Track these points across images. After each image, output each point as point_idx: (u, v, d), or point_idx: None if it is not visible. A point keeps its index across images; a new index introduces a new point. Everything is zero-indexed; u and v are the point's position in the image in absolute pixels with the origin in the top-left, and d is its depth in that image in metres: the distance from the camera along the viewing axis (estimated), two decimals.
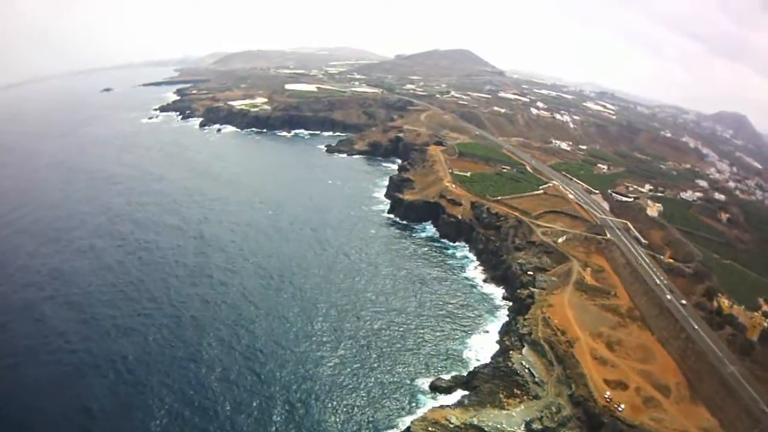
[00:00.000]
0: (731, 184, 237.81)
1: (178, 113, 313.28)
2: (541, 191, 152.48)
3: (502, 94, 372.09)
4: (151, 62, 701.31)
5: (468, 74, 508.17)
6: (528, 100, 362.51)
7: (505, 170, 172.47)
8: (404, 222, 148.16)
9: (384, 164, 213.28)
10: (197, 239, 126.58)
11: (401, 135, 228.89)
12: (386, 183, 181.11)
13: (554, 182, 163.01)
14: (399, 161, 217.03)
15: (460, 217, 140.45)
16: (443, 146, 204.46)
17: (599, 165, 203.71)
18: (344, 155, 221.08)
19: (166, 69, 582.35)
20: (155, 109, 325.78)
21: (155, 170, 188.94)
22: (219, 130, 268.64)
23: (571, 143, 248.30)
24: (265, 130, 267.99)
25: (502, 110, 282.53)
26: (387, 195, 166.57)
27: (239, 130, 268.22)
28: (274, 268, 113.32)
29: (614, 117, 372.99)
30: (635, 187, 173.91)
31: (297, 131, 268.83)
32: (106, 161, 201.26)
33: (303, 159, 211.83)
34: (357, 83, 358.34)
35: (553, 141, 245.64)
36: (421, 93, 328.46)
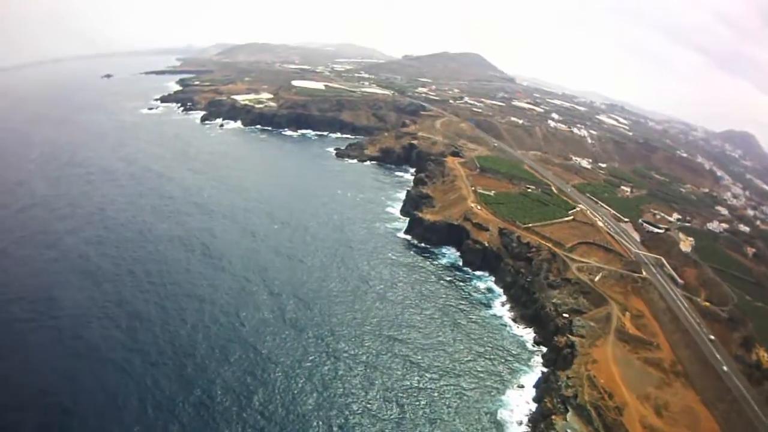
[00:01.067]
0: (750, 212, 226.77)
1: (179, 105, 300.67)
2: (571, 217, 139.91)
3: (515, 103, 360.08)
4: (154, 50, 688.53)
5: (478, 79, 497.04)
6: (542, 110, 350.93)
7: (530, 190, 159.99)
8: (423, 244, 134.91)
9: (397, 173, 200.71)
10: (201, 256, 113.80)
11: (415, 142, 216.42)
12: (401, 196, 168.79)
13: (582, 206, 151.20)
14: (412, 170, 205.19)
15: (486, 244, 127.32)
16: (461, 158, 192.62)
17: (623, 187, 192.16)
18: (354, 161, 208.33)
19: (168, 58, 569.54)
20: (156, 99, 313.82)
21: (155, 167, 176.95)
22: (222, 125, 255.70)
23: (590, 160, 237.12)
24: (270, 128, 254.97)
25: (520, 121, 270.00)
26: (403, 211, 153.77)
27: (243, 126, 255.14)
28: (289, 298, 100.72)
29: (630, 133, 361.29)
30: (663, 215, 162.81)
31: (304, 131, 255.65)
32: (104, 155, 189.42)
33: (312, 163, 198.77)
34: (366, 83, 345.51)
35: (573, 158, 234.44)
36: (434, 97, 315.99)
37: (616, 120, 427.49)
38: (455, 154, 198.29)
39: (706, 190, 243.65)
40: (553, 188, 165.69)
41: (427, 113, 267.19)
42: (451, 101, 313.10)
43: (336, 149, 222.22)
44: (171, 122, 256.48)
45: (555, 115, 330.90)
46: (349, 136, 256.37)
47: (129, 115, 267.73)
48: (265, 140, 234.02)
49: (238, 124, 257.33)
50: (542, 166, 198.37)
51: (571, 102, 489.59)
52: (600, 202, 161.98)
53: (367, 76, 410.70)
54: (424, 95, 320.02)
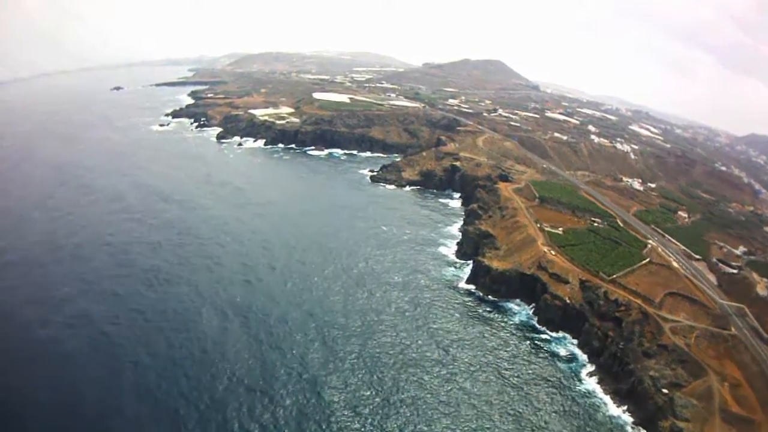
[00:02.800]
0: None
1: (192, 120, 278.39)
2: (647, 259, 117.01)
3: (549, 114, 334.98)
4: (166, 61, 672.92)
5: (504, 87, 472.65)
6: (578, 122, 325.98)
7: (596, 224, 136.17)
8: (489, 297, 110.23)
9: (441, 200, 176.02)
10: (231, 317, 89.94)
11: (458, 164, 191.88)
12: (452, 231, 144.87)
13: (651, 242, 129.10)
14: (457, 196, 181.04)
15: (567, 300, 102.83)
16: (512, 183, 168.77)
17: (680, 213, 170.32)
18: (393, 186, 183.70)
19: (180, 68, 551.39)
20: (167, 114, 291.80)
21: (169, 193, 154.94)
22: (240, 144, 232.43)
23: (639, 180, 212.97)
24: (293, 147, 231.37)
25: (564, 138, 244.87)
26: (461, 253, 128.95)
27: (263, 145, 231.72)
28: (344, 371, 77.90)
29: (667, 146, 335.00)
30: (729, 248, 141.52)
31: (331, 150, 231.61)
32: (113, 179, 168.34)
33: (347, 191, 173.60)
34: (393, 95, 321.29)
35: (624, 179, 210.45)
36: (466, 110, 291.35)
37: (648, 129, 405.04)
38: (504, 178, 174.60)
39: (751, 208, 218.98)
40: (618, 221, 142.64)
41: (464, 128, 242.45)
42: (485, 114, 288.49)
43: (370, 171, 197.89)
44: (184, 141, 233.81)
45: (592, 128, 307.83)
46: (380, 154, 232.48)
47: (139, 133, 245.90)
48: (289, 162, 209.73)
49: (259, 143, 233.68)
50: (597, 190, 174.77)
51: (597, 109, 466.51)
52: (666, 234, 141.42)
53: (389, 86, 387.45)
54: (456, 108, 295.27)
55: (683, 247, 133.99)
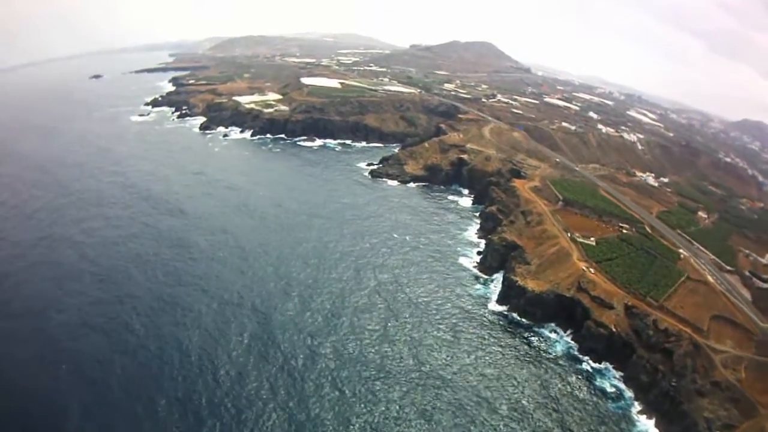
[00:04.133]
0: None
1: (173, 109, 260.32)
2: (685, 275, 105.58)
3: (548, 100, 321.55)
4: (146, 46, 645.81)
5: (496, 70, 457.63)
6: (578, 107, 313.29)
7: (625, 230, 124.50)
8: (524, 320, 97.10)
9: (449, 197, 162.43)
10: (250, 364, 75.72)
11: (465, 157, 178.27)
12: (468, 236, 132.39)
13: (683, 252, 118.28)
14: (466, 192, 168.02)
15: (613, 328, 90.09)
16: (524, 178, 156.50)
17: (700, 213, 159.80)
18: (395, 182, 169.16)
19: (160, 54, 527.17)
20: (147, 104, 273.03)
21: (152, 192, 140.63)
22: (225, 135, 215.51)
23: (652, 175, 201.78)
24: (283, 137, 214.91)
25: (572, 128, 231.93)
26: (484, 266, 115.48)
27: (250, 136, 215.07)
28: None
29: (671, 134, 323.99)
30: (755, 256, 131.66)
31: (324, 140, 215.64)
32: (88, 176, 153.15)
33: (343, 188, 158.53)
34: (386, 79, 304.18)
35: (637, 173, 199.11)
36: (464, 95, 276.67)
37: (645, 115, 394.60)
38: (516, 174, 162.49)
39: (761, 205, 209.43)
40: (646, 226, 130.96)
41: (465, 116, 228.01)
42: (483, 99, 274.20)
43: (368, 165, 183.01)
44: (166, 132, 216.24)
45: (593, 114, 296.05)
46: (377, 144, 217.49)
47: (119, 125, 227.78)
48: (281, 155, 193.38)
49: (245, 134, 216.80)
50: (614, 188, 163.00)
51: (592, 93, 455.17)
52: (694, 242, 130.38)
53: (378, 69, 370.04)
54: (453, 93, 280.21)
55: (713, 257, 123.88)
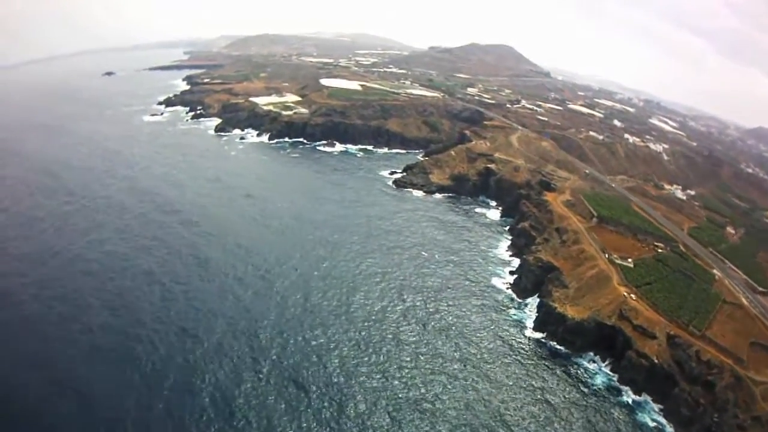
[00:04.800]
0: None
1: (187, 109, 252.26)
2: (721, 298, 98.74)
3: (571, 106, 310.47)
4: (159, 43, 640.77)
5: (516, 74, 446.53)
6: (602, 115, 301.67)
7: (660, 250, 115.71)
8: (561, 347, 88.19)
9: (477, 209, 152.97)
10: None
11: (492, 167, 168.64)
12: (500, 253, 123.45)
13: (717, 273, 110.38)
14: (493, 204, 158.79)
15: (655, 359, 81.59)
16: (555, 191, 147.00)
17: (728, 229, 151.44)
18: (420, 193, 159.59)
19: (174, 51, 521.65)
20: (160, 103, 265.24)
21: (164, 200, 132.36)
22: (242, 138, 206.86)
23: (680, 187, 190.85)
24: (302, 141, 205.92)
25: (600, 137, 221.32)
26: (519, 288, 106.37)
27: (268, 140, 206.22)
28: None
29: (694, 144, 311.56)
30: None
31: (345, 145, 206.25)
32: (96, 181, 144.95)
33: (367, 199, 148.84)
34: (407, 82, 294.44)
35: (666, 186, 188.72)
36: (488, 100, 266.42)
37: (666, 123, 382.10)
38: (546, 185, 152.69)
39: None
40: (680, 245, 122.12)
41: (490, 123, 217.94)
42: (508, 105, 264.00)
43: (392, 174, 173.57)
44: (180, 134, 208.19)
45: (617, 122, 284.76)
46: (399, 150, 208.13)
47: (131, 125, 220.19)
48: (299, 161, 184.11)
49: (263, 137, 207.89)
50: (645, 201, 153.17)
51: (611, 99, 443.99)
52: (725, 260, 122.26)
53: (398, 70, 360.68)
54: (477, 98, 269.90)
55: (744, 276, 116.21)
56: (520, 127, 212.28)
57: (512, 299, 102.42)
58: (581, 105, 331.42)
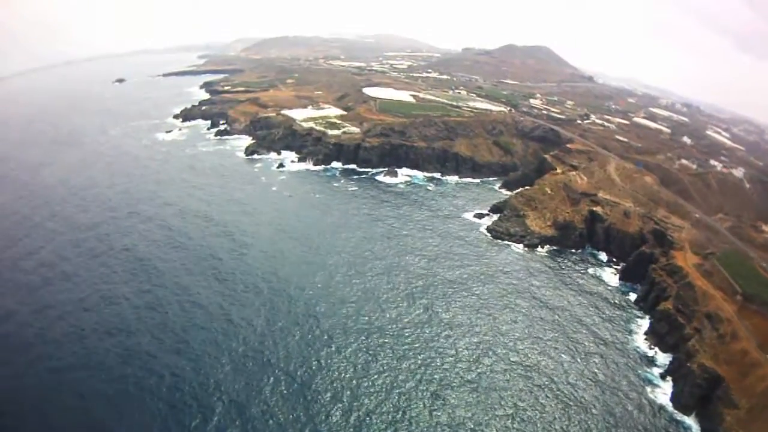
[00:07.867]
0: None
1: (208, 124, 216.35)
2: None
3: (636, 119, 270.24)
4: (173, 47, 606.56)
5: (561, 79, 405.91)
6: (669, 130, 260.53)
7: None
8: None
9: (590, 270, 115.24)
10: None
11: (597, 210, 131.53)
12: (639, 344, 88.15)
13: None
14: (603, 258, 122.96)
15: None
16: (675, 247, 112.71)
17: None
18: (520, 247, 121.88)
19: (189, 55, 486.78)
20: (176, 116, 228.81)
21: (188, 257, 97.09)
22: (280, 165, 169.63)
23: None
24: (354, 168, 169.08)
25: (693, 166, 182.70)
26: (679, 404, 74.05)
27: (313, 166, 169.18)
28: None
29: (761, 164, 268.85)
30: None
31: (407, 173, 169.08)
32: (101, 226, 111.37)
33: (457, 260, 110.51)
34: (464, 92, 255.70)
35: (763, 226, 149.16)
36: (557, 114, 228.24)
37: (720, 133, 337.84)
38: (660, 237, 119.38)
39: None
40: None
41: (573, 146, 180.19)
42: (578, 121, 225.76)
43: (478, 217, 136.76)
44: (202, 157, 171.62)
45: (687, 140, 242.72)
46: (470, 179, 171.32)
47: (140, 144, 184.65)
48: (358, 197, 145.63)
49: (307, 164, 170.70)
50: (758, 255, 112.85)
51: (658, 106, 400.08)
52: None
53: (439, 76, 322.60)
54: (543, 111, 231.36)
55: None
56: (605, 152, 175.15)
57: (676, 421, 70.15)
58: (643, 117, 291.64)
